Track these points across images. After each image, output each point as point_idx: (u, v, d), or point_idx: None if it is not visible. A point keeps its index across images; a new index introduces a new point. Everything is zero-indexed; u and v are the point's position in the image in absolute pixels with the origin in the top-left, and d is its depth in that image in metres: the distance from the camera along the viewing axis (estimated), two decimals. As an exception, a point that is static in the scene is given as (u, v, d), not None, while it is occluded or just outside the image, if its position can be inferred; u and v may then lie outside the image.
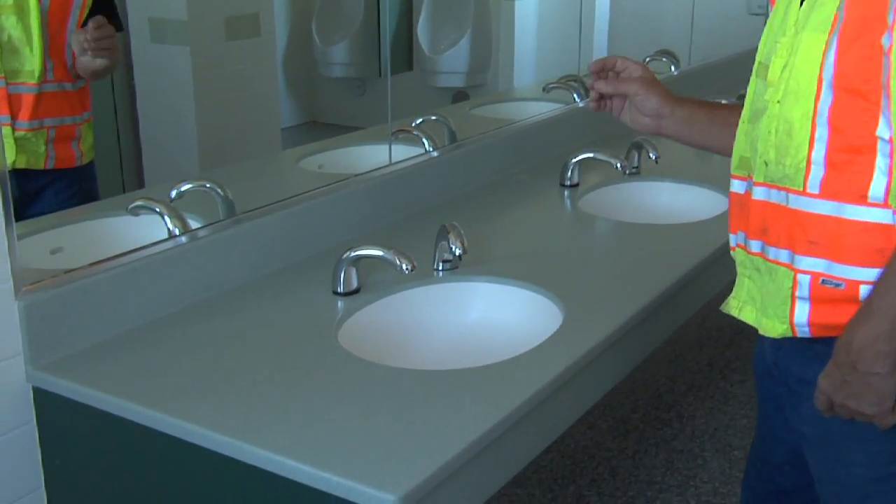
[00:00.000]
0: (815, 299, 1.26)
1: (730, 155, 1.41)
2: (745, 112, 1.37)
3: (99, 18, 1.64)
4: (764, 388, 1.49)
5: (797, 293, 1.27)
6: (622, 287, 1.80)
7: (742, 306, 1.37)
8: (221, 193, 1.87)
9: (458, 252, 1.81)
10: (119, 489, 1.47)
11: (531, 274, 1.84)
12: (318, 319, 1.67)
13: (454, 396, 1.39)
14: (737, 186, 1.38)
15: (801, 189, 1.25)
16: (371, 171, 2.18)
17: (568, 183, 2.44)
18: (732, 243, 1.39)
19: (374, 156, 2.25)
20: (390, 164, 2.24)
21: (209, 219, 1.82)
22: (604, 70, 1.58)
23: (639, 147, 2.56)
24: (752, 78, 1.35)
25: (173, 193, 1.79)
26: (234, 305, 1.73)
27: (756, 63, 1.35)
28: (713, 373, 3.23)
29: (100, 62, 1.66)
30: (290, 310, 1.71)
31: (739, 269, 1.38)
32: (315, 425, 1.31)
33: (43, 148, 1.64)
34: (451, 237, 1.82)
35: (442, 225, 1.86)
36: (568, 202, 2.35)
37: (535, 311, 1.76)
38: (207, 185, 1.87)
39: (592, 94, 1.58)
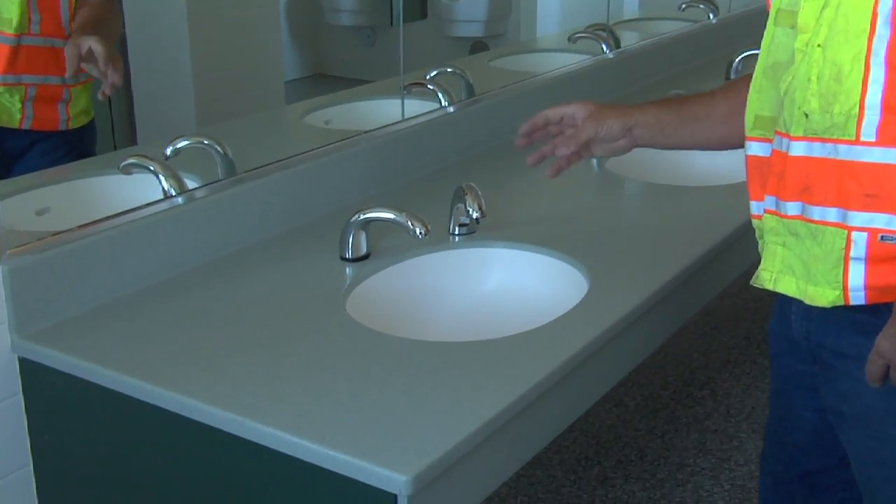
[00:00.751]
0: (872, 259, 1.25)
1: (715, 149, 1.42)
2: (759, 66, 1.36)
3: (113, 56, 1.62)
4: (784, 365, 1.49)
5: (851, 254, 1.26)
6: (653, 254, 1.80)
7: (777, 277, 1.36)
8: (220, 151, 1.88)
9: (475, 215, 1.82)
10: (112, 467, 1.50)
11: (554, 239, 1.84)
12: (325, 287, 1.68)
13: (470, 370, 1.40)
14: (755, 149, 1.37)
15: (854, 138, 1.23)
16: (382, 127, 2.18)
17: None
18: (756, 210, 1.38)
19: (385, 111, 2.24)
20: (402, 120, 2.24)
21: (207, 178, 1.83)
22: (535, 132, 1.66)
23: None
24: (769, 27, 1.34)
25: (168, 151, 1.80)
26: (234, 272, 1.74)
27: (773, 11, 1.33)
28: (750, 347, 3.23)
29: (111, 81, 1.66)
30: (294, 276, 1.72)
31: (768, 238, 1.36)
32: (321, 400, 1.33)
33: (18, 106, 1.62)
34: (468, 199, 1.82)
35: (458, 186, 1.86)
36: (594, 162, 2.34)
37: (558, 278, 1.77)
38: (205, 142, 1.87)
39: (549, 171, 1.65)
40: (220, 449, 1.34)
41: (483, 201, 1.83)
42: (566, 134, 1.63)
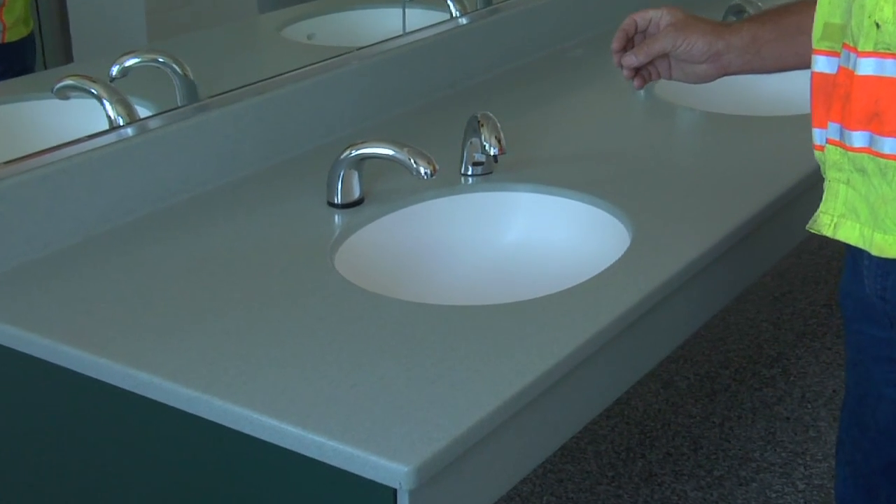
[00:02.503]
0: None
1: None
2: None
3: None
4: (858, 332, 1.51)
5: None
6: (710, 200, 1.82)
7: (838, 222, 1.37)
8: (179, 71, 1.89)
9: (492, 152, 1.83)
10: (48, 454, 1.52)
11: (588, 181, 1.86)
12: (309, 238, 1.70)
13: (485, 340, 1.42)
14: (822, 64, 1.37)
15: None
16: (378, 42, 2.18)
17: (641, 60, 2.44)
18: (818, 140, 1.39)
19: (382, 23, 2.25)
20: (404, 34, 2.24)
21: (163, 105, 1.84)
22: (627, 40, 1.66)
23: (739, 11, 2.54)
24: None
25: (114, 70, 1.81)
26: (198, 220, 1.76)
27: None
28: (832, 316, 3.24)
29: None
30: (271, 226, 1.74)
31: (830, 174, 1.37)
32: (304, 376, 1.35)
33: None
34: (484, 132, 1.83)
35: (472, 116, 1.87)
36: (641, 86, 2.35)
37: (593, 230, 1.78)
38: (160, 60, 1.88)
39: (625, 73, 1.66)
40: (182, 434, 1.37)
41: (502, 134, 1.84)
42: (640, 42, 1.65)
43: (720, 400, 2.87)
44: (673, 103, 2.26)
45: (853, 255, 1.46)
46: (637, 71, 1.66)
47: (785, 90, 2.44)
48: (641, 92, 2.32)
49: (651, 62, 1.66)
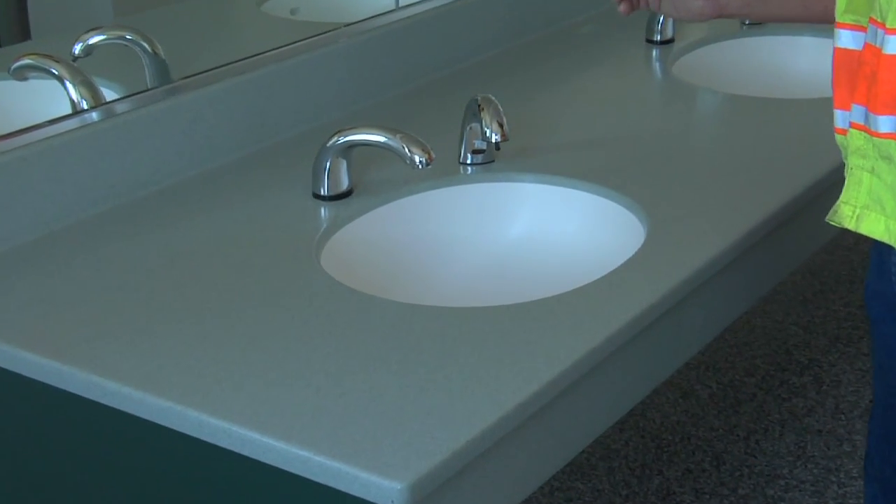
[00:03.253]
0: None
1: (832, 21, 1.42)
2: None
3: None
4: (886, 334, 1.51)
5: None
6: (734, 191, 1.82)
7: (861, 213, 1.37)
8: (149, 50, 1.89)
9: (494, 138, 1.83)
10: (8, 472, 1.53)
11: (600, 170, 1.86)
12: (293, 234, 1.70)
13: (486, 345, 1.42)
14: (846, 39, 1.37)
15: None
16: (368, 18, 2.19)
17: (657, 38, 2.44)
18: (840, 123, 1.39)
19: (372, -4, 2.25)
20: (397, 8, 2.24)
21: (132, 87, 1.84)
22: None
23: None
24: None
25: (77, 49, 1.81)
26: (171, 213, 1.76)
27: None
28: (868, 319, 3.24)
29: None
30: (251, 220, 1.74)
31: (853, 161, 1.37)
32: (287, 384, 1.35)
33: None
34: (485, 117, 1.84)
35: (472, 99, 1.87)
36: (657, 66, 2.35)
37: (605, 224, 1.79)
38: (128, 38, 1.88)
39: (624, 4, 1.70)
40: (154, 448, 1.37)
41: (504, 119, 1.84)
42: None
43: (745, 411, 2.87)
44: (693, 84, 2.27)
45: (879, 252, 1.46)
46: None
47: (818, 70, 2.44)
48: (658, 71, 2.32)
49: None
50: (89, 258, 1.63)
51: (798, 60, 2.47)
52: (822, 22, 1.57)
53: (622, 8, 1.69)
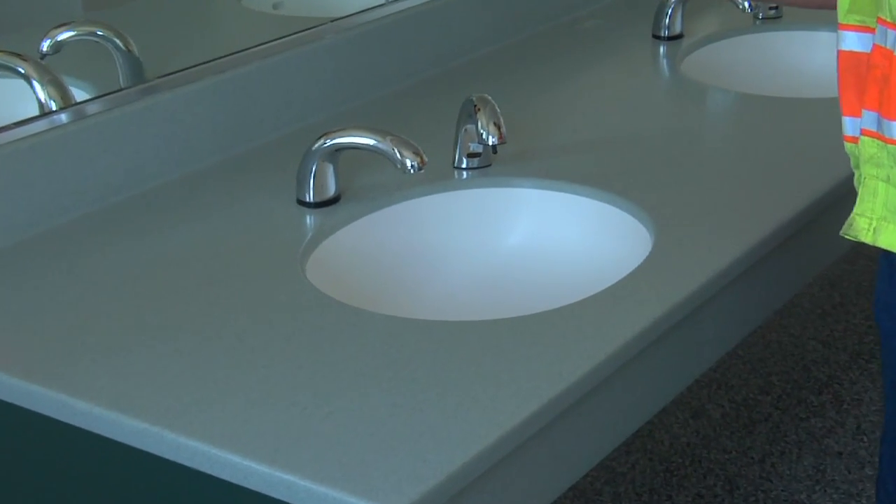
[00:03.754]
0: None
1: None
2: None
3: None
4: None
5: None
6: (747, 196, 1.82)
7: (878, 226, 1.36)
8: (122, 47, 1.89)
9: (491, 141, 1.83)
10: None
11: (604, 175, 1.86)
12: (276, 243, 1.70)
13: (483, 361, 1.42)
14: (851, 41, 1.38)
15: None
16: (357, 13, 2.19)
17: (665, 33, 2.44)
18: (850, 130, 1.39)
19: (360, -11, 2.25)
20: (387, 1, 2.24)
21: (103, 87, 1.84)
22: None
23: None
24: None
25: (45, 46, 1.81)
26: (145, 221, 1.76)
27: None
28: (890, 333, 3.25)
29: None
30: (231, 228, 1.74)
31: (866, 170, 1.37)
32: (271, 404, 1.35)
33: None
34: (481, 118, 1.84)
35: (467, 98, 1.87)
36: (664, 63, 2.36)
37: (609, 232, 1.79)
38: (99, 34, 1.88)
39: None
40: (128, 472, 1.37)
41: (502, 120, 1.84)
42: None
43: (760, 432, 2.87)
44: (703, 83, 2.27)
45: (890, 261, 1.46)
46: None
47: (834, 68, 2.44)
48: (665, 68, 2.32)
49: None
50: (60, 269, 1.63)
51: (814, 57, 2.47)
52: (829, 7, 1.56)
53: None
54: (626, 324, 1.49)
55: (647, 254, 1.66)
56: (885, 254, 1.44)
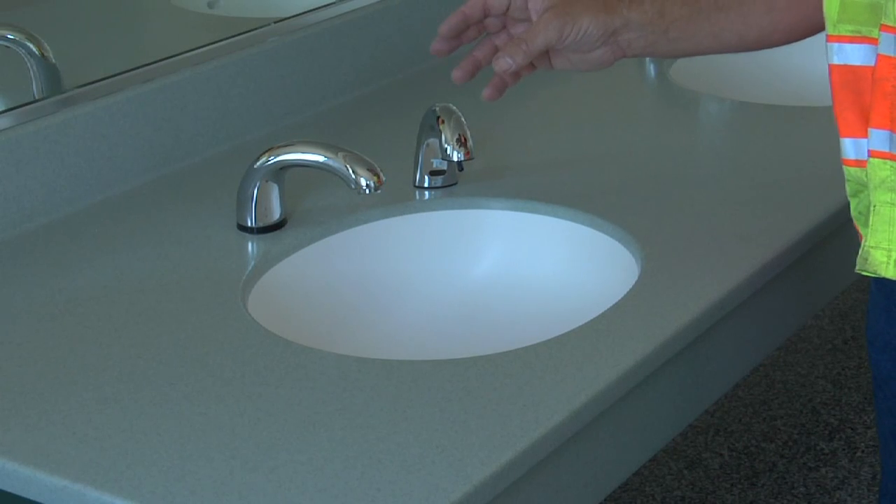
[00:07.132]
0: None
1: (748, 50, 1.45)
2: None
3: None
4: None
5: None
6: (745, 217, 1.83)
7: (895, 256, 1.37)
8: (36, 53, 1.88)
9: (456, 157, 1.84)
10: None
11: (585, 195, 1.87)
12: (213, 274, 1.70)
13: (449, 406, 1.42)
14: (846, 55, 1.37)
15: None
16: (303, 13, 2.19)
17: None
18: (852, 154, 1.39)
19: (307, -14, 2.26)
20: (337, 1, 2.25)
21: (15, 98, 1.84)
22: (466, 32, 1.61)
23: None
24: None
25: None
26: (63, 250, 1.75)
27: None
28: (909, 371, 3.26)
29: None
30: (162, 257, 1.74)
31: (878, 196, 1.37)
32: (208, 456, 1.35)
33: None
34: (445, 130, 1.84)
35: (429, 109, 1.88)
36: (651, 69, 2.37)
37: (591, 258, 1.80)
38: (9, 37, 1.88)
39: (486, 91, 1.61)
40: (45, 537, 1.36)
41: (469, 133, 1.85)
42: (513, 34, 1.61)
43: (763, 484, 2.88)
44: (694, 91, 2.28)
45: (887, 292, 1.47)
46: (476, 67, 1.62)
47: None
48: (652, 74, 2.33)
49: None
50: (-35, 306, 1.63)
51: (816, 61, 2.47)
52: (738, 51, 1.61)
53: (486, 94, 1.61)
54: (610, 363, 1.49)
55: (633, 283, 1.66)
56: (880, 286, 1.44)
